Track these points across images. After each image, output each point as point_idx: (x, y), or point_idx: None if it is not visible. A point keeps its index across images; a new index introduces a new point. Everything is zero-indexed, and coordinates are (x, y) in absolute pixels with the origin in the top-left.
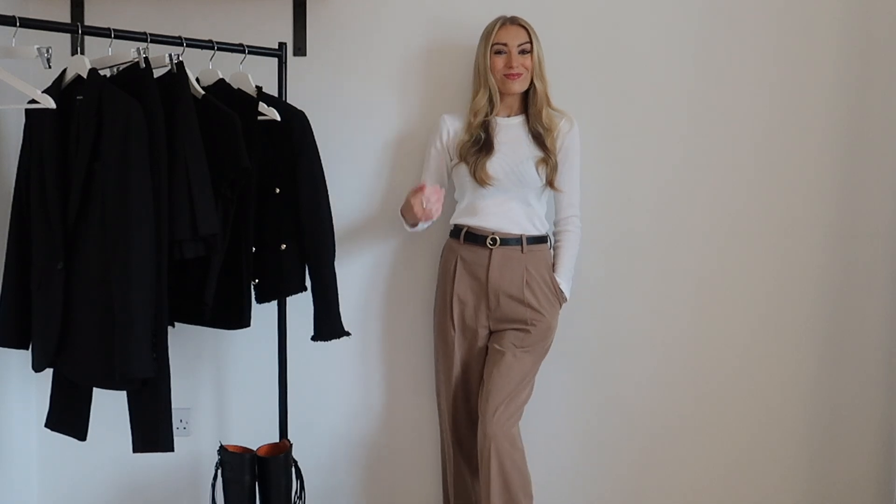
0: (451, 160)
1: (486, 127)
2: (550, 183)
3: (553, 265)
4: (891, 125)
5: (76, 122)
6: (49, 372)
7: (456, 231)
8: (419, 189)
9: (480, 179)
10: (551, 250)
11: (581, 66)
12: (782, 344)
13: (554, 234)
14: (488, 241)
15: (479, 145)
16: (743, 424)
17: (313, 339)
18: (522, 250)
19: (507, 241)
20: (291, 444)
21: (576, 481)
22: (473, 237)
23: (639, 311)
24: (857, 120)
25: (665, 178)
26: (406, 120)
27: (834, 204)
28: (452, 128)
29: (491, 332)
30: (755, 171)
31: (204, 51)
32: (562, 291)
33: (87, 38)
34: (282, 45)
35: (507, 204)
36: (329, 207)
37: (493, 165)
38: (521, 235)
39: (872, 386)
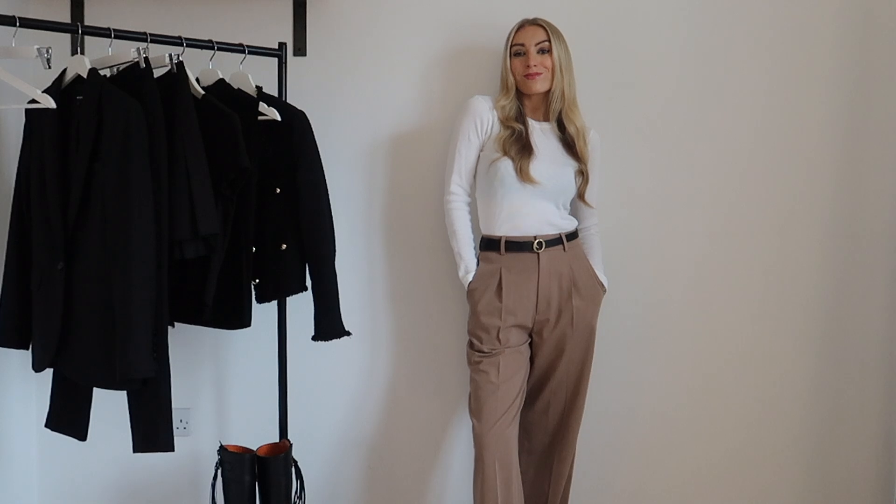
0: (483, 150)
1: (524, 123)
2: (581, 194)
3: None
4: (891, 125)
5: (76, 122)
6: (49, 372)
7: (492, 242)
8: None
9: (525, 177)
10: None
11: (581, 66)
12: (782, 342)
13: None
14: (535, 245)
15: (521, 141)
16: (742, 423)
17: (314, 338)
18: (564, 248)
19: (550, 242)
20: (291, 444)
21: (575, 482)
22: (517, 245)
23: (637, 310)
24: (857, 119)
25: (664, 178)
26: (406, 119)
27: (834, 203)
28: (490, 119)
29: (534, 336)
30: (754, 171)
31: (204, 51)
32: (601, 283)
33: (87, 38)
34: (282, 45)
35: (543, 206)
36: (329, 207)
37: (537, 168)
38: (559, 234)
39: (872, 384)
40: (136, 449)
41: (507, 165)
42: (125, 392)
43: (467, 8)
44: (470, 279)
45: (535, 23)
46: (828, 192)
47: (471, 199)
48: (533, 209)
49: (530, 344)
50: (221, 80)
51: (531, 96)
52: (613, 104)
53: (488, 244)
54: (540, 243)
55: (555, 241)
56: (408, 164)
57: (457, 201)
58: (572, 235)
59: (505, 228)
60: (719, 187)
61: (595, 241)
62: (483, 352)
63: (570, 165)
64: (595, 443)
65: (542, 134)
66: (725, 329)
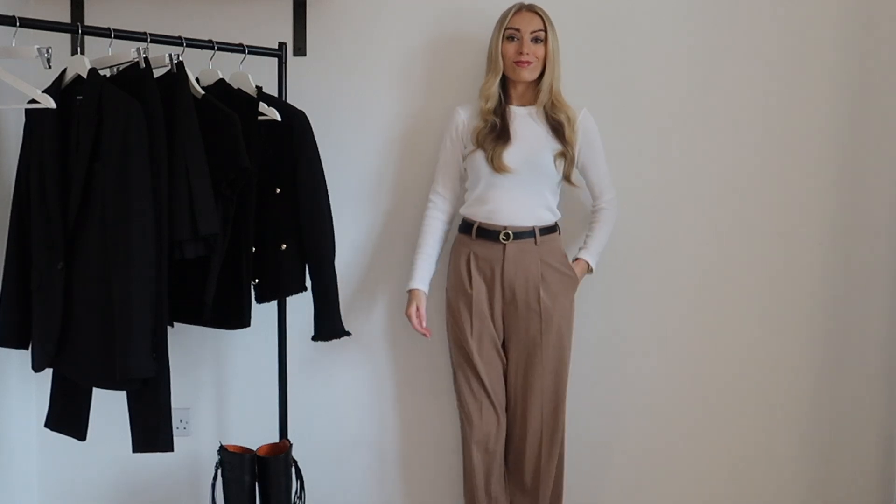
0: (465, 148)
1: (502, 114)
2: (567, 177)
3: (584, 241)
4: (891, 125)
5: (76, 122)
6: (49, 372)
7: (467, 226)
8: (418, 324)
9: (498, 167)
10: (587, 233)
11: (581, 66)
12: (783, 344)
13: (591, 214)
14: (501, 236)
15: (495, 132)
16: (743, 424)
17: (314, 338)
18: (536, 242)
19: (520, 234)
20: (291, 444)
21: (576, 481)
22: (486, 232)
23: (639, 311)
24: (858, 119)
25: (665, 178)
26: (406, 119)
27: (835, 203)
28: (465, 117)
29: (506, 328)
30: (756, 171)
31: (204, 51)
32: (588, 265)
33: (87, 38)
34: (282, 45)
35: (520, 195)
36: (329, 207)
37: (511, 155)
38: (533, 227)
39: (873, 386)
40: (136, 449)
41: (480, 157)
42: (125, 392)
43: (469, 8)
44: (411, 287)
45: (532, 9)
46: (830, 193)
47: (451, 207)
48: (508, 199)
49: (503, 331)
50: (221, 80)
51: (517, 84)
52: (615, 104)
53: (465, 227)
54: (507, 234)
55: (525, 234)
56: (408, 164)
57: (432, 209)
58: (549, 229)
59: (480, 215)
60: (721, 188)
61: (603, 217)
62: (463, 351)
63: (550, 148)
64: (594, 444)
65: (527, 118)
66: (727, 330)
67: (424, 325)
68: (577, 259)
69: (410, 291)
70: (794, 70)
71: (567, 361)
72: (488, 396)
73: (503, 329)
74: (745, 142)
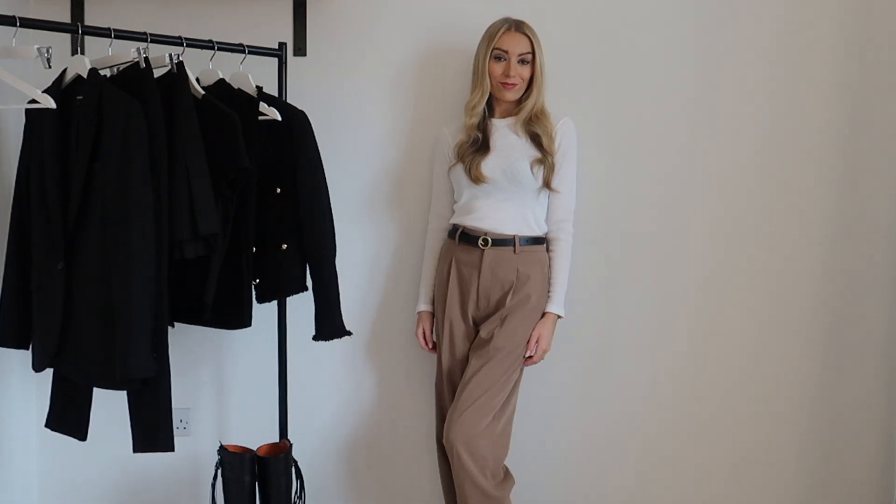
0: (450, 162)
1: (484, 129)
2: (548, 184)
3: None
4: (891, 125)
5: (76, 122)
6: (49, 372)
7: (453, 231)
8: (423, 345)
9: (475, 177)
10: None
11: (581, 66)
12: (783, 345)
13: (546, 241)
14: (480, 241)
15: (476, 146)
16: (743, 425)
17: (314, 338)
18: (515, 251)
19: (499, 241)
20: (291, 444)
21: (576, 483)
22: (468, 237)
23: (639, 313)
24: (857, 119)
25: (665, 179)
26: (407, 119)
27: (835, 204)
28: (451, 135)
29: (478, 334)
30: (756, 172)
31: (204, 51)
32: (557, 317)
33: (87, 38)
34: (282, 45)
35: (502, 204)
36: (329, 207)
37: (488, 164)
38: (514, 236)
39: (873, 386)
40: (136, 449)
41: (460, 169)
42: (125, 392)
43: (469, 9)
44: (417, 310)
45: (520, 29)
46: (830, 193)
47: (450, 225)
48: (489, 207)
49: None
50: (221, 80)
51: (501, 101)
52: (614, 106)
53: (450, 232)
54: (486, 240)
55: (505, 242)
56: (408, 163)
57: (430, 230)
58: (532, 241)
59: (465, 222)
60: (721, 189)
61: (560, 250)
62: (440, 333)
63: (527, 157)
64: (594, 444)
65: (506, 129)
66: (727, 331)
67: (430, 346)
68: (543, 314)
69: (418, 313)
70: (794, 70)
71: (508, 375)
72: (449, 399)
73: (475, 336)
74: (745, 142)
